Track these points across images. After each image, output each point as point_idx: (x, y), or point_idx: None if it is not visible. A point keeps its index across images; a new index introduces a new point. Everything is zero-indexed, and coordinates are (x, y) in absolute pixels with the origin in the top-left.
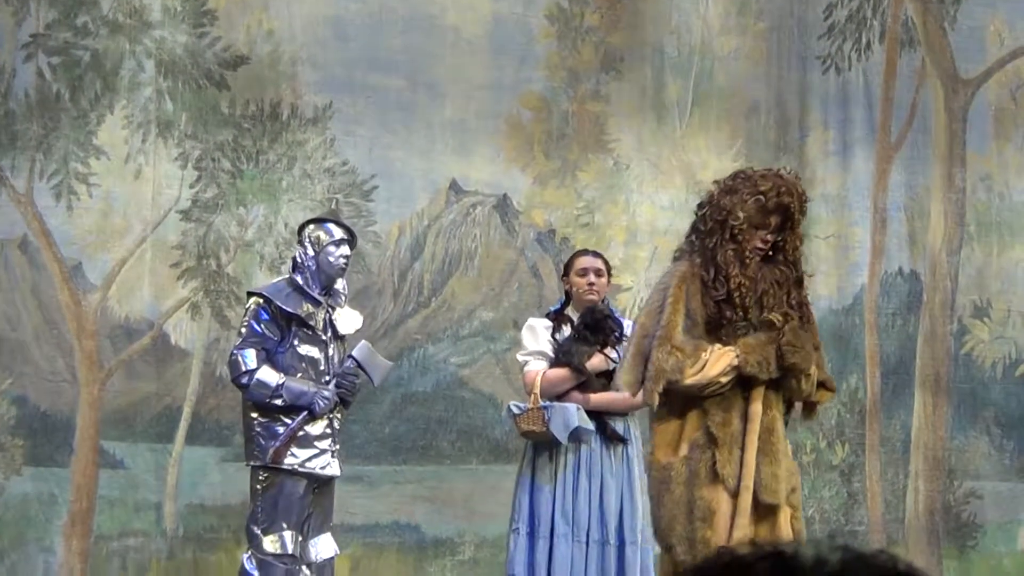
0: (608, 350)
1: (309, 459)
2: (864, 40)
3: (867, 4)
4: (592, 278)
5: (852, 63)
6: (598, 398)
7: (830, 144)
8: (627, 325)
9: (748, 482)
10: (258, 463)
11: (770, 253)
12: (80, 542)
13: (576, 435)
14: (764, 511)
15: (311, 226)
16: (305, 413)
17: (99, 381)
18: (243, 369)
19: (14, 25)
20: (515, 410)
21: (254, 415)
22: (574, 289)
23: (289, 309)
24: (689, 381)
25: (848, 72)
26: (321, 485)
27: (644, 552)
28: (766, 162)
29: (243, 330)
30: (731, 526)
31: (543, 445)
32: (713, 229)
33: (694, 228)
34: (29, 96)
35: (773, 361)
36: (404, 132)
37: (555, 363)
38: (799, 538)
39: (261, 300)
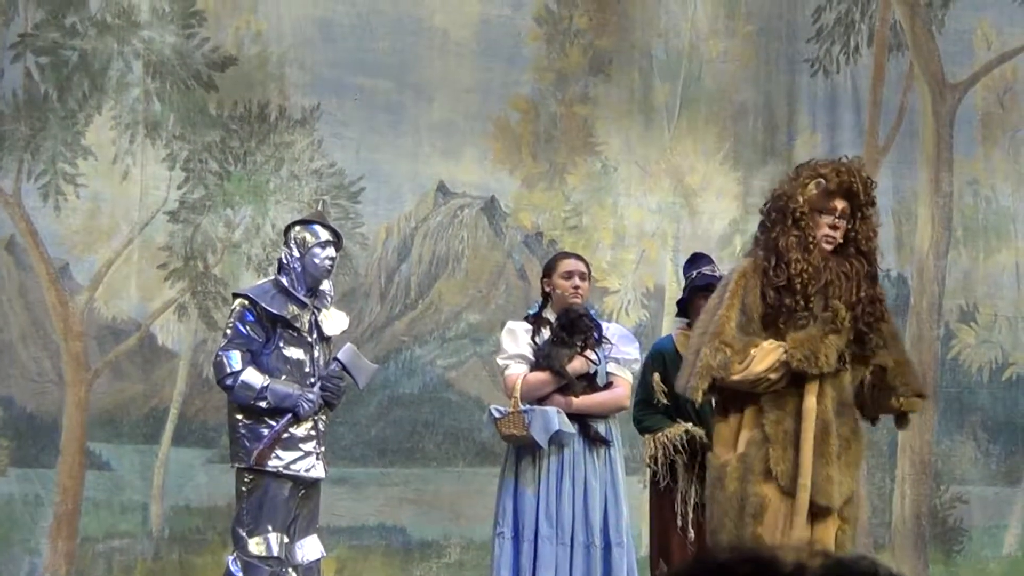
0: (588, 352)
1: (294, 461)
2: (852, 43)
3: (855, 7)
4: (577, 281)
5: (840, 66)
6: (580, 401)
7: (818, 147)
8: (606, 328)
9: (804, 480)
10: (243, 465)
11: (841, 244)
12: (66, 544)
13: (557, 438)
14: (821, 513)
15: (297, 227)
16: (290, 415)
17: (85, 382)
18: (228, 371)
19: (1, 25)
20: (496, 414)
21: (239, 417)
22: (557, 291)
23: (274, 311)
24: (736, 377)
25: (836, 75)
26: (307, 487)
27: (630, 553)
28: (753, 165)
29: (228, 331)
30: (784, 525)
31: (525, 448)
32: (776, 219)
33: (760, 225)
34: (17, 96)
35: (826, 355)
36: (392, 134)
37: (536, 366)
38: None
39: (246, 301)
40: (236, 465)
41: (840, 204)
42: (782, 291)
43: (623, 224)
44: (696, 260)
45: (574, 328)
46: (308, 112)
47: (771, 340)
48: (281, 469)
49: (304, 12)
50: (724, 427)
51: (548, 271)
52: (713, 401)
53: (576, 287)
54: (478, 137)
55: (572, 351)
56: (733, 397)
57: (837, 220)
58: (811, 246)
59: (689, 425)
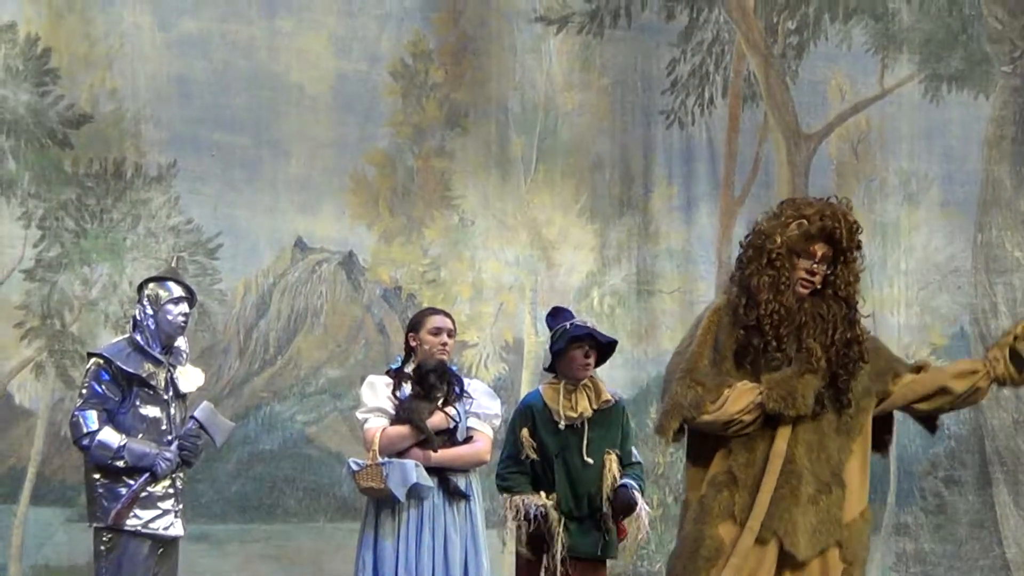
0: (448, 407)
1: (152, 520)
2: (707, 95)
3: (709, 59)
4: (445, 338)
5: (695, 118)
6: (440, 455)
7: (674, 199)
8: (467, 383)
9: (754, 524)
10: (101, 524)
11: (819, 287)
12: None
13: (415, 492)
14: (792, 564)
15: (150, 284)
16: (147, 474)
17: None
18: (84, 431)
19: None
20: (354, 467)
21: (96, 476)
22: (424, 347)
23: (130, 369)
24: (707, 418)
25: (691, 127)
26: (165, 545)
27: None
28: (610, 217)
29: (84, 391)
30: (749, 570)
31: (385, 501)
32: (752, 256)
33: (737, 260)
34: None
35: (803, 395)
36: (249, 190)
37: (396, 420)
38: None
39: (101, 361)
40: (94, 525)
41: (820, 249)
42: (750, 330)
43: (481, 277)
44: (558, 313)
45: (425, 381)
46: (165, 169)
47: (745, 380)
48: (140, 528)
49: (159, 69)
50: (694, 470)
51: (415, 326)
52: (685, 445)
53: (444, 344)
54: (335, 192)
55: (432, 405)
56: (703, 439)
57: (816, 265)
58: (783, 287)
59: (551, 503)
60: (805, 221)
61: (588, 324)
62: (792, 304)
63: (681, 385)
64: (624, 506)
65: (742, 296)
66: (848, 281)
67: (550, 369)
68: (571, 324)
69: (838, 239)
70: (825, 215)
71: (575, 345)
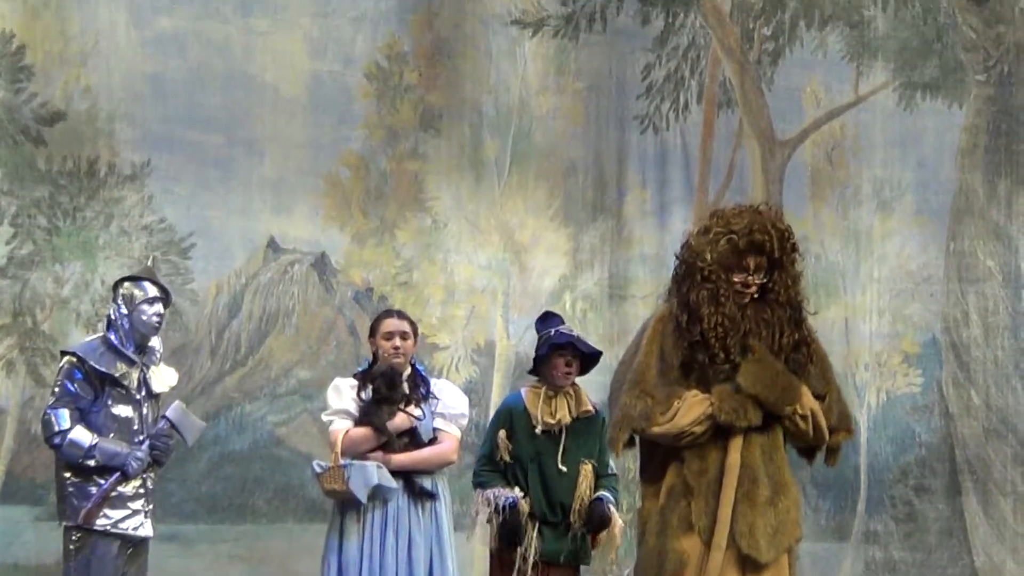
0: (411, 409)
1: (122, 519)
2: (682, 100)
3: (685, 64)
4: (397, 342)
5: (670, 123)
6: (401, 458)
7: (648, 204)
8: (434, 384)
9: (720, 540)
10: (71, 523)
11: (756, 296)
12: None
13: (379, 493)
14: (750, 566)
15: (125, 284)
16: (118, 474)
17: None
18: (56, 429)
19: None
20: (317, 469)
21: (67, 475)
22: (380, 351)
23: (103, 369)
24: (658, 430)
25: (666, 132)
26: (135, 545)
27: None
28: (583, 221)
29: (56, 389)
30: None
31: (349, 503)
32: (686, 273)
33: (673, 274)
34: None
35: (753, 407)
36: (222, 190)
37: (359, 422)
38: None
39: (75, 359)
40: (64, 523)
41: (753, 261)
42: (695, 346)
43: (453, 280)
44: (548, 318)
45: (373, 387)
46: (138, 168)
47: (695, 391)
48: (109, 528)
49: (134, 67)
50: (647, 481)
51: (372, 330)
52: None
53: (396, 348)
54: (309, 193)
55: (394, 408)
56: (654, 450)
57: (750, 277)
58: (723, 298)
59: (523, 496)
60: (734, 236)
61: (574, 332)
62: (735, 312)
63: (630, 396)
64: (599, 520)
65: (683, 312)
66: (787, 285)
67: (534, 373)
68: (555, 331)
69: (769, 250)
70: (754, 228)
71: (557, 353)
